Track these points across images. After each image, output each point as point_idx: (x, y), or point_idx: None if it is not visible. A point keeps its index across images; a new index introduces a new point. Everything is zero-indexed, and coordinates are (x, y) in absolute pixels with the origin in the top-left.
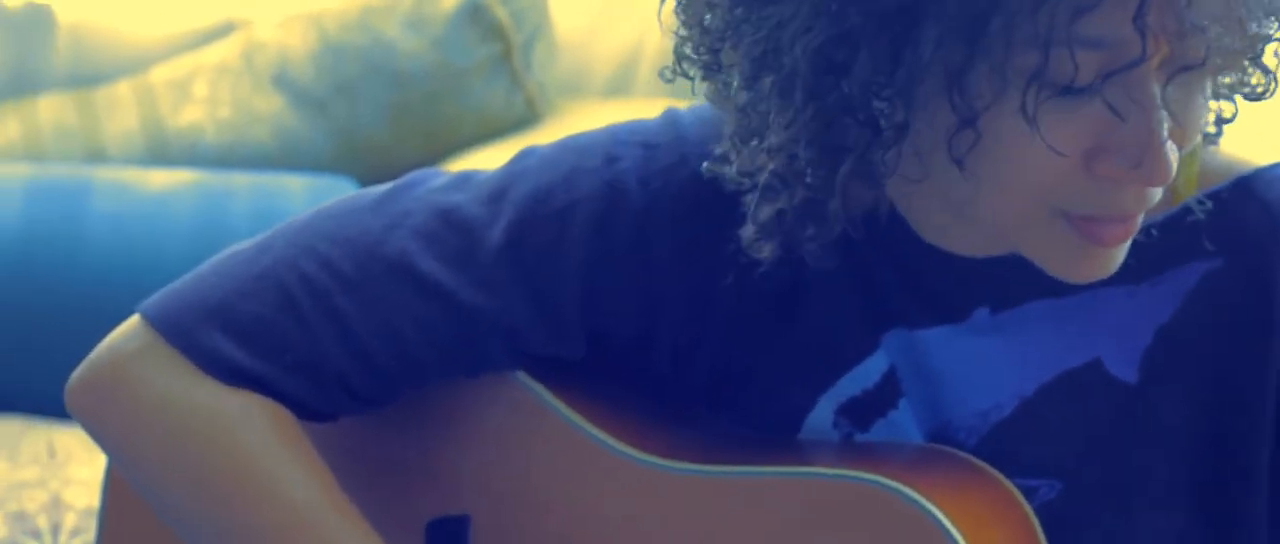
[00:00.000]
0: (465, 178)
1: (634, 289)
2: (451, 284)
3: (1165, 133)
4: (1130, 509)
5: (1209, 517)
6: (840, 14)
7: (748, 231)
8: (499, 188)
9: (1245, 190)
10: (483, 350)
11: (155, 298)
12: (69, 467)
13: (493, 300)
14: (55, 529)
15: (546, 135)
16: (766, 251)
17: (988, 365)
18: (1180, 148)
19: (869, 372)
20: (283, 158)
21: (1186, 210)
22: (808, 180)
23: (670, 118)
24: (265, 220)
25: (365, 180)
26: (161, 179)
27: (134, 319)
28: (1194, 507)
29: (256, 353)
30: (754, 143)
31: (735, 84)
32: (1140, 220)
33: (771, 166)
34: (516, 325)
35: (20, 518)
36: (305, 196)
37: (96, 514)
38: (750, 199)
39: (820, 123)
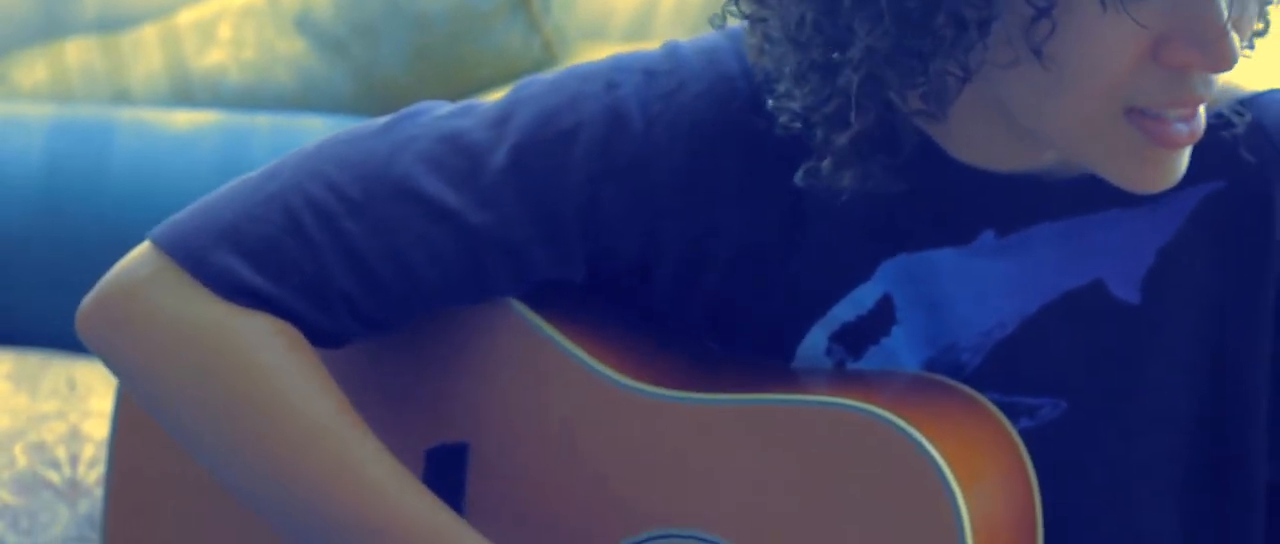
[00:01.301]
0: (469, 106)
1: (635, 211)
2: (456, 205)
3: (1227, 18)
4: (1132, 428)
5: (1209, 435)
6: None
7: (825, 165)
8: (503, 113)
9: (1246, 114)
10: (486, 272)
11: (165, 224)
12: (89, 400)
13: (496, 221)
14: (73, 460)
15: None
16: (847, 180)
17: (992, 286)
18: (1240, 36)
19: (864, 297)
20: (304, 99)
21: (1218, 120)
22: (887, 95)
23: (670, 48)
24: None
25: None
26: (184, 119)
27: (144, 245)
28: (1194, 426)
29: (266, 274)
30: (820, 75)
31: (796, 19)
32: (1202, 124)
33: (856, 80)
34: (519, 246)
35: (40, 449)
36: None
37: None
38: (820, 132)
39: (905, 26)
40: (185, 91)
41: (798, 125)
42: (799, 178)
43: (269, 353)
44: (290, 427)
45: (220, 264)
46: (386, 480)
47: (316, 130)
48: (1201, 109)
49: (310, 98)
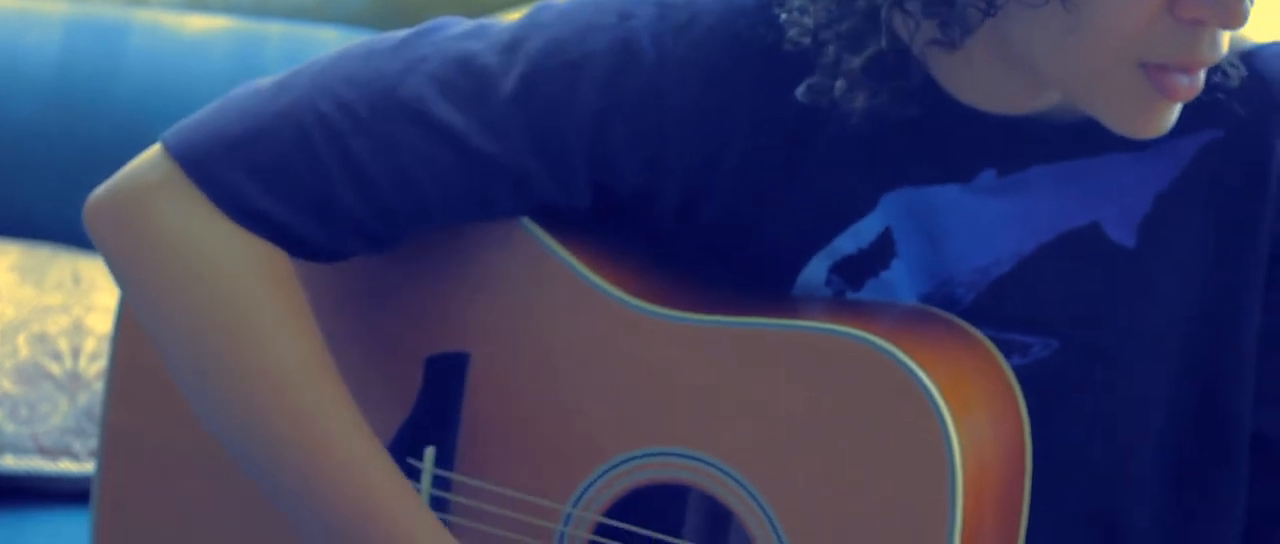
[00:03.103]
0: (483, 27)
1: (643, 143)
2: (463, 128)
3: None
4: (1122, 370)
5: (1197, 381)
6: None
7: (838, 85)
8: (515, 38)
9: (1245, 65)
10: (490, 195)
11: (177, 129)
12: (93, 294)
13: (502, 146)
14: (75, 352)
15: None
16: (859, 102)
17: (990, 223)
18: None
19: (865, 230)
20: (318, 10)
21: (1218, 69)
22: (905, 22)
23: None
24: None
25: None
26: (198, 23)
27: (156, 148)
28: (1183, 371)
29: (272, 190)
30: None
31: None
32: (1202, 81)
33: (883, 2)
34: (524, 172)
35: (42, 340)
36: (337, 48)
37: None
38: (831, 51)
39: None
40: None
41: (807, 40)
42: (801, 93)
43: (256, 287)
44: (258, 365)
45: (228, 181)
46: (340, 434)
47: (330, 42)
48: (1202, 75)
49: (325, 8)
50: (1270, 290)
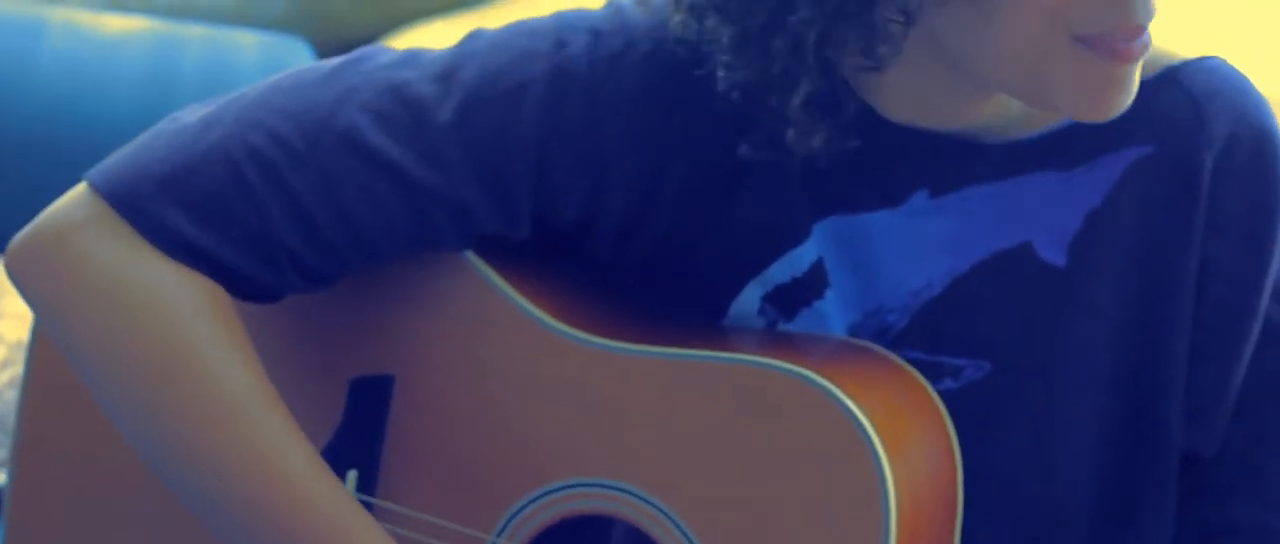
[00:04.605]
0: (413, 55)
1: (582, 170)
2: (401, 159)
3: None
4: (1054, 391)
5: (1128, 399)
6: None
7: (790, 135)
8: (449, 67)
9: (1174, 81)
10: (431, 227)
11: (103, 167)
12: (4, 300)
13: (441, 176)
14: None
15: (499, 12)
16: (817, 140)
17: (923, 245)
18: None
19: (799, 259)
20: (237, 14)
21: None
22: (831, 56)
23: (616, 7)
24: (216, 74)
25: (318, 43)
26: (116, 24)
27: (81, 187)
28: (1116, 387)
29: (206, 226)
30: (762, 41)
31: None
32: (1149, 39)
33: (810, 37)
34: (465, 203)
35: None
36: (257, 54)
37: (25, 350)
38: (772, 99)
39: None
40: None
41: (737, 95)
42: (744, 151)
43: (193, 316)
44: (205, 399)
45: (160, 215)
46: (294, 467)
47: (247, 47)
48: (1146, 31)
49: (245, 12)
50: (1200, 307)
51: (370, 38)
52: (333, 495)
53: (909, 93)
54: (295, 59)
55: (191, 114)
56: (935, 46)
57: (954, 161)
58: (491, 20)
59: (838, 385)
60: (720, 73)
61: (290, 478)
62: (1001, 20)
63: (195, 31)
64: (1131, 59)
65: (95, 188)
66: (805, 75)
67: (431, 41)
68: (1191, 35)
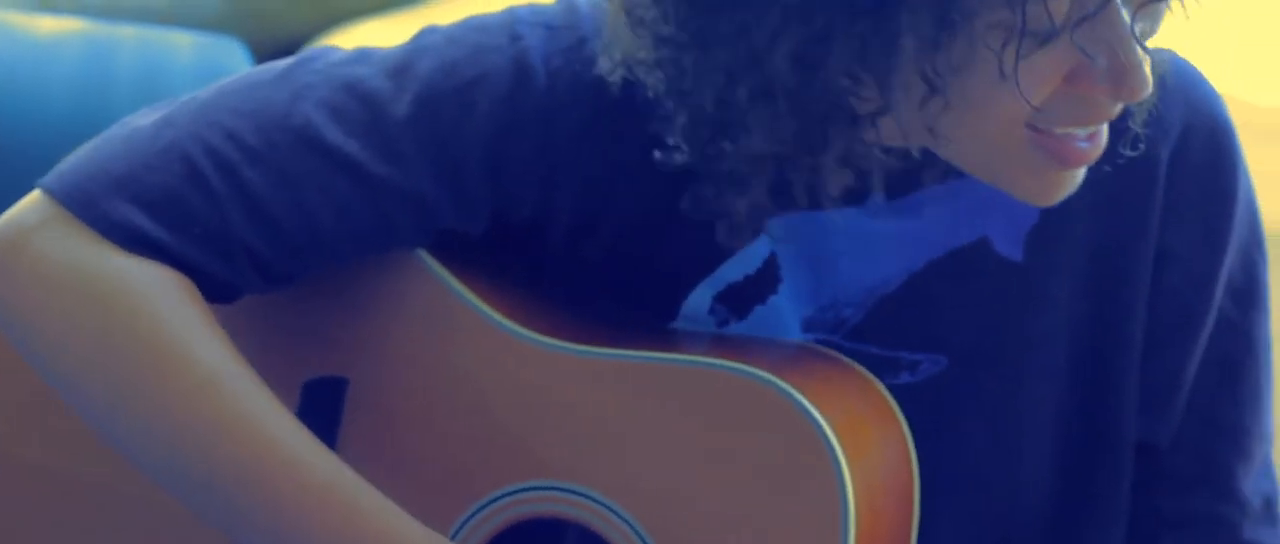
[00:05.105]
0: (366, 53)
1: (537, 163)
2: (358, 155)
3: (1136, 46)
4: (1012, 385)
5: (1086, 389)
6: (810, 13)
7: (722, 229)
8: (403, 62)
9: None
10: (390, 222)
11: (55, 172)
12: None
13: (399, 171)
14: None
15: (436, 10)
16: (747, 238)
17: (880, 244)
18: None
19: (751, 257)
20: (172, 14)
21: None
22: (780, 164)
23: (568, 2)
24: (150, 75)
25: (254, 43)
26: (49, 26)
27: (34, 194)
28: (1072, 380)
29: (165, 224)
30: (725, 144)
31: (699, 88)
32: (1105, 138)
33: (747, 160)
34: (423, 197)
35: None
36: (192, 54)
37: None
38: (710, 190)
39: (803, 124)
40: None
41: (681, 156)
42: (685, 206)
43: (163, 302)
44: (182, 377)
45: (117, 213)
46: (280, 433)
47: (182, 47)
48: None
49: (178, 12)
50: (1155, 298)
51: (306, 37)
52: (322, 456)
53: (881, 132)
54: (230, 59)
55: (143, 118)
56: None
57: (909, 164)
58: (427, 19)
59: (796, 388)
60: (671, 140)
61: (277, 444)
62: (962, 141)
63: (129, 32)
64: (1083, 163)
65: (49, 191)
66: (752, 185)
67: (368, 39)
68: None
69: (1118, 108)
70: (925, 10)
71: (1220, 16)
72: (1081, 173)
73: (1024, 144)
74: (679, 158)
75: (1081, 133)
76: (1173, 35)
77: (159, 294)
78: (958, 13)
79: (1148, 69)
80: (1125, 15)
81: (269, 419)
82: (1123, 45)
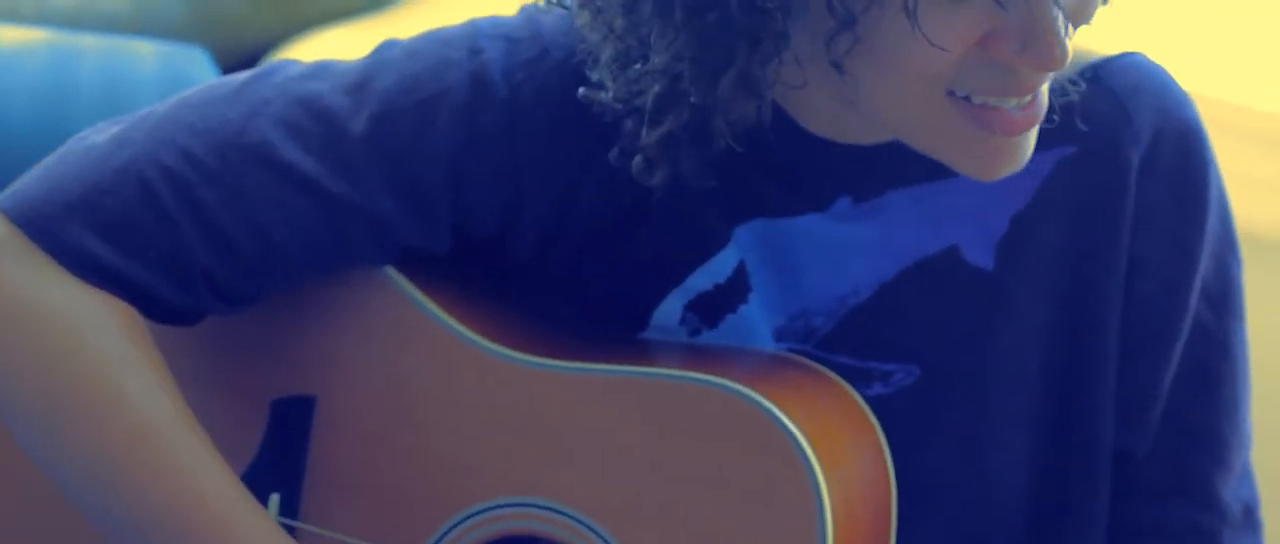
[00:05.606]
0: (323, 67)
1: (500, 178)
2: (315, 173)
3: (1057, 15)
4: (985, 394)
5: (1058, 400)
6: None
7: (636, 162)
8: (361, 78)
9: (1096, 79)
10: (349, 241)
11: (12, 191)
12: None
13: (357, 189)
14: None
15: (401, 17)
16: (657, 178)
17: (848, 252)
18: (1077, 23)
19: (720, 266)
20: (135, 23)
21: (1059, 92)
22: (692, 99)
23: (529, 14)
24: (114, 84)
25: (217, 51)
26: (10, 36)
27: None
28: (1046, 389)
29: (120, 249)
30: (636, 67)
31: (612, 9)
32: (1043, 104)
33: (656, 89)
34: (381, 214)
35: None
36: (156, 63)
37: None
38: (630, 125)
39: (701, 40)
40: (11, 8)
41: (618, 107)
42: (613, 157)
43: (111, 341)
44: (121, 422)
45: (72, 238)
46: (213, 489)
47: (145, 56)
48: (1042, 89)
49: (141, 21)
50: (1129, 306)
51: (270, 45)
52: (252, 518)
53: (824, 112)
54: (194, 68)
55: (100, 134)
56: (835, 86)
57: (875, 167)
58: (392, 25)
59: (771, 399)
60: (591, 91)
61: (208, 500)
62: (875, 90)
63: (92, 42)
64: (1018, 131)
65: (3, 212)
66: (664, 115)
67: (333, 46)
68: (1124, 35)
69: (1040, 80)
70: None
71: (1221, 21)
72: (1025, 145)
73: (946, 109)
74: (604, 97)
75: (1010, 103)
76: (1173, 41)
77: (105, 332)
78: None
79: (1068, 40)
80: None
81: (201, 472)
82: (1039, 7)
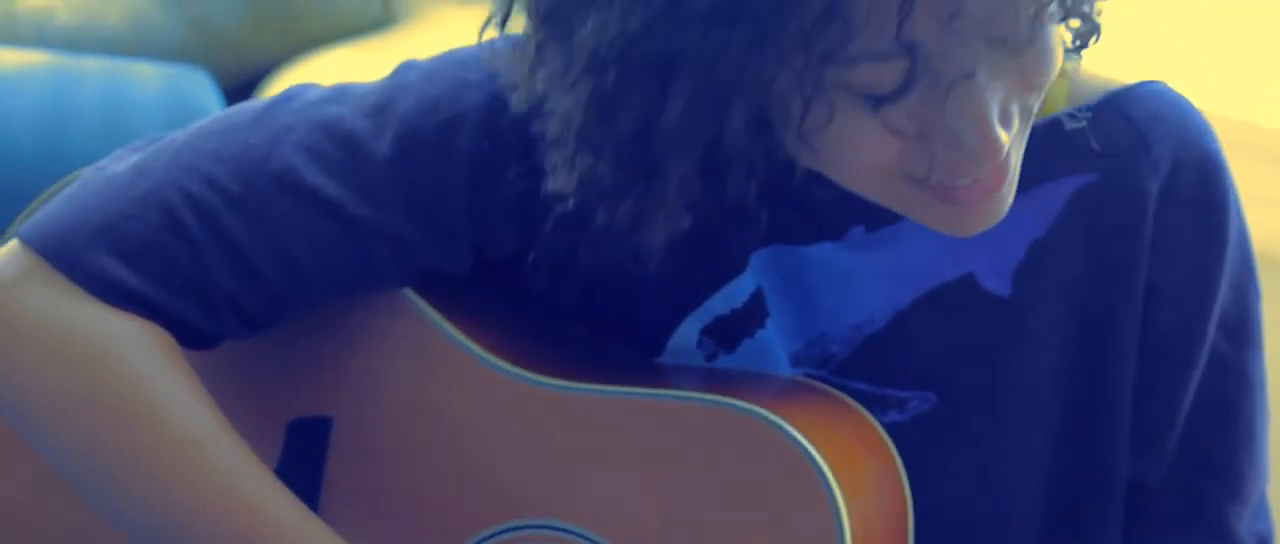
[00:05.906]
0: (343, 90)
1: (519, 201)
2: (339, 197)
3: (990, 111)
4: (1001, 421)
5: (1076, 426)
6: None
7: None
8: (382, 101)
9: (1114, 107)
10: (373, 265)
11: (32, 222)
12: None
13: (381, 212)
14: None
15: (402, 38)
16: (657, 259)
17: (863, 280)
18: (1034, 91)
19: (738, 291)
20: (135, 44)
21: (1056, 124)
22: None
23: None
24: (115, 106)
25: (217, 72)
26: (11, 59)
27: (11, 245)
28: (1063, 417)
29: (145, 274)
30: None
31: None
32: (1013, 168)
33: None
34: (406, 237)
35: None
36: (157, 85)
37: None
38: (603, 209)
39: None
40: (10, 30)
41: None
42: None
43: (142, 358)
44: (162, 439)
45: (96, 265)
46: (260, 494)
47: (146, 77)
48: (1013, 153)
49: (141, 43)
50: (1146, 335)
51: (270, 66)
52: (302, 517)
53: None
54: (196, 90)
55: (118, 162)
56: None
57: None
58: (393, 45)
59: (791, 424)
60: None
61: (256, 506)
62: (844, 168)
63: (93, 64)
64: (978, 201)
65: (26, 243)
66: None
67: (335, 67)
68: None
69: (989, 168)
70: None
71: (1225, 37)
72: (1001, 201)
73: (907, 189)
74: (565, 186)
75: (965, 182)
76: (1179, 57)
77: (140, 353)
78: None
79: (1003, 136)
80: (980, 87)
81: (250, 482)
82: (965, 101)
